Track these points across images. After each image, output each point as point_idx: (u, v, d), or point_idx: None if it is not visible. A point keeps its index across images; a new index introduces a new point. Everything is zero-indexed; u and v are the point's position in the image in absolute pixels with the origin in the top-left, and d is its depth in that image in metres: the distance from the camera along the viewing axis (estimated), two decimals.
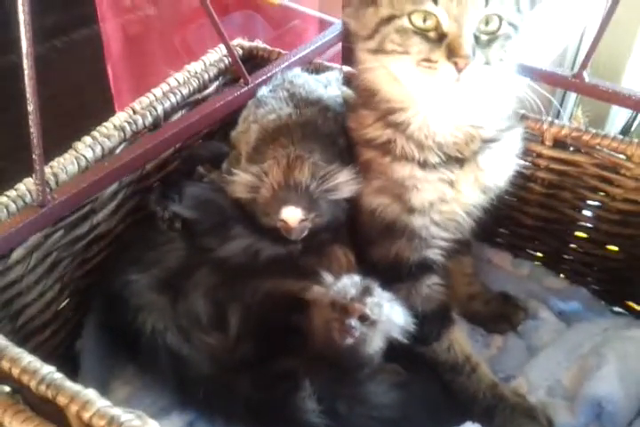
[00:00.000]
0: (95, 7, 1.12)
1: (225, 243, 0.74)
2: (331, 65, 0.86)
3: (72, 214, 0.70)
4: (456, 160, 0.72)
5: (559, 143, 0.80)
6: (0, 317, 0.68)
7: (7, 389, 0.52)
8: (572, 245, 0.93)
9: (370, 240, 0.77)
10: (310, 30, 1.40)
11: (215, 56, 0.85)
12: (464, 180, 0.73)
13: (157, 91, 0.79)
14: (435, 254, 0.78)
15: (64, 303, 0.78)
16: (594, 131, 0.77)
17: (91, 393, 0.48)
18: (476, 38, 0.62)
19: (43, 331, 0.75)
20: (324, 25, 1.27)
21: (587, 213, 0.88)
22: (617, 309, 0.95)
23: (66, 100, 1.09)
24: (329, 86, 0.80)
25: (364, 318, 0.69)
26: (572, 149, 0.81)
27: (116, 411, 0.47)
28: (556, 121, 0.79)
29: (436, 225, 0.76)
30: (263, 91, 0.78)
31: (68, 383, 0.49)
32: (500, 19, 0.63)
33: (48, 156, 0.71)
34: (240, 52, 0.87)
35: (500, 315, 0.89)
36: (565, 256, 0.94)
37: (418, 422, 0.73)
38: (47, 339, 0.76)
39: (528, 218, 0.92)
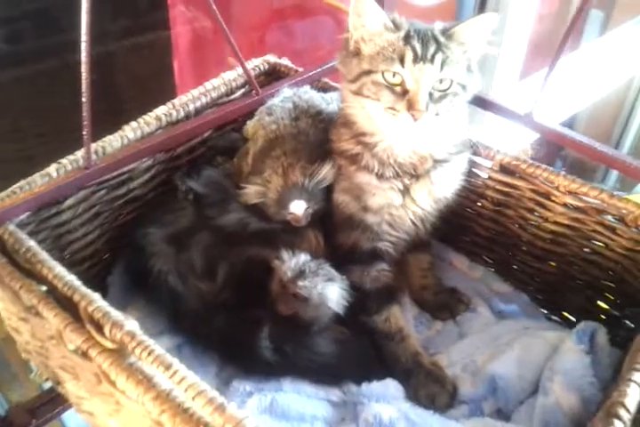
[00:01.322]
0: (168, 13, 1.37)
1: (223, 214, 0.95)
2: (334, 85, 1.06)
3: (114, 178, 0.95)
4: (411, 175, 0.91)
5: (504, 169, 0.97)
6: (52, 246, 0.93)
7: (44, 288, 0.76)
8: (518, 257, 1.08)
9: (336, 229, 0.97)
10: None
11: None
12: (419, 191, 0.93)
13: (195, 92, 1.02)
14: (385, 246, 0.98)
15: (101, 246, 1.01)
16: (530, 161, 0.94)
17: (96, 296, 0.71)
18: (430, 95, 0.82)
19: (82, 264, 1.00)
20: None
21: (527, 229, 1.04)
22: (555, 317, 1.11)
23: (134, 92, 1.34)
24: (331, 104, 1.00)
25: (296, 296, 0.89)
26: (516, 175, 0.98)
27: (110, 309, 0.70)
28: (502, 150, 0.96)
29: (388, 224, 0.95)
30: (274, 101, 0.98)
31: (82, 288, 0.72)
32: (452, 80, 0.83)
33: (106, 133, 0.96)
34: (266, 66, 1.09)
35: (445, 305, 1.07)
36: (513, 266, 1.10)
37: (348, 371, 0.93)
38: (84, 271, 1.00)
39: (482, 229, 1.09)
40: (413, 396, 0.92)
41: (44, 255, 0.75)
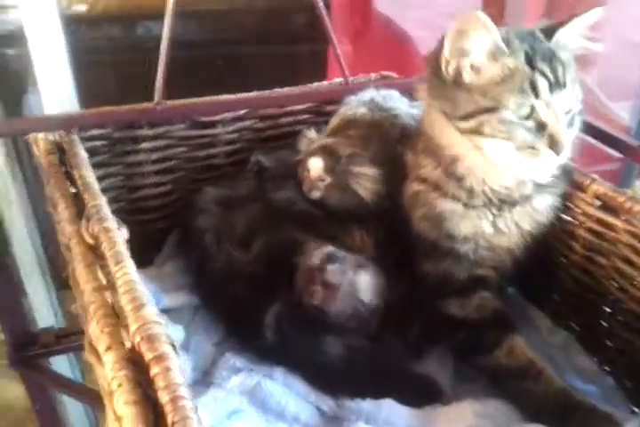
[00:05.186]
0: None
1: (278, 190, 0.95)
2: None
3: (196, 139, 1.00)
4: (504, 201, 0.81)
5: (600, 202, 0.82)
6: (123, 184, 0.99)
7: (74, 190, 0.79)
8: (608, 324, 0.87)
9: (419, 256, 0.86)
10: None
11: None
12: (517, 217, 0.82)
13: None
14: (486, 272, 0.85)
15: (171, 202, 1.04)
16: (630, 194, 0.78)
17: (103, 199, 0.72)
18: None
19: (147, 213, 1.03)
20: None
21: (623, 286, 0.83)
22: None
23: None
24: (413, 108, 0.96)
25: (325, 284, 0.81)
26: (613, 211, 0.81)
27: (107, 209, 0.70)
28: (599, 179, 0.82)
29: (486, 249, 0.83)
30: (352, 97, 0.98)
31: (96, 189, 0.74)
32: (571, 109, 0.74)
33: None
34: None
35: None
36: (603, 336, 0.89)
37: (348, 382, 0.81)
38: (147, 221, 1.04)
39: (572, 281, 0.90)
40: None
41: (83, 161, 0.80)
